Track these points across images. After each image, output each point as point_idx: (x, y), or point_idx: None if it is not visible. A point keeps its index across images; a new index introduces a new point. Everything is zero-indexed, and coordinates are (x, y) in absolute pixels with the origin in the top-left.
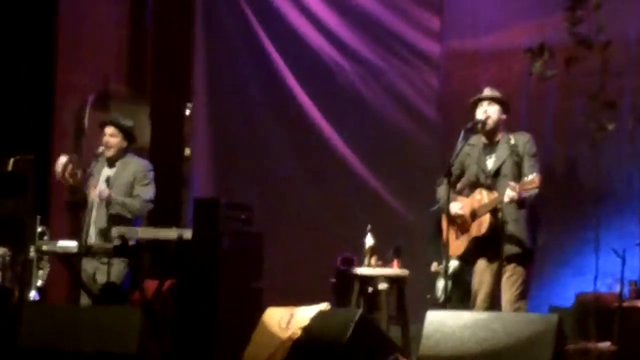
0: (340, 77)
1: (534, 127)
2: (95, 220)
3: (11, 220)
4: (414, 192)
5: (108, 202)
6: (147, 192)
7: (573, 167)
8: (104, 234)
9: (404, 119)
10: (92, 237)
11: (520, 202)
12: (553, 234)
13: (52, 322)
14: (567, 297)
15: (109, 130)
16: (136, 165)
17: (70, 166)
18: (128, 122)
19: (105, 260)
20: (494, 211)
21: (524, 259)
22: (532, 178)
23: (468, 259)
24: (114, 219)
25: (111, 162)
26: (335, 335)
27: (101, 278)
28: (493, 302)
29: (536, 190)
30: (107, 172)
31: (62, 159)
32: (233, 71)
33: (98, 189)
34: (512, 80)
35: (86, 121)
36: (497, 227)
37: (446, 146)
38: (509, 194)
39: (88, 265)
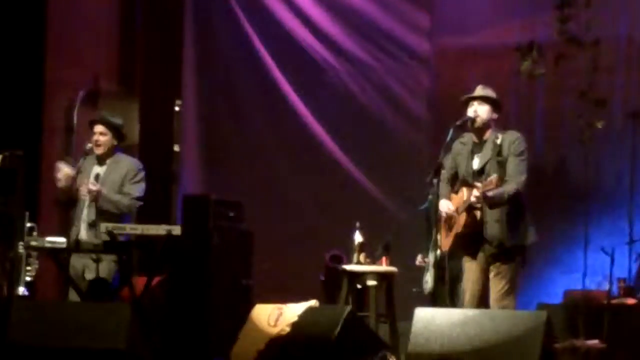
0: (329, 75)
1: (523, 125)
2: (85, 216)
3: (0, 216)
4: (403, 189)
5: (97, 198)
6: (137, 189)
7: (562, 165)
8: (93, 230)
9: (394, 117)
10: (82, 234)
11: (488, 202)
12: (542, 232)
13: (41, 318)
14: (555, 294)
15: (99, 128)
16: (127, 164)
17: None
18: (117, 120)
19: (94, 257)
20: (469, 209)
21: (508, 256)
22: (491, 179)
23: (456, 253)
24: (104, 216)
25: (101, 160)
26: (324, 332)
27: (90, 275)
28: (482, 300)
29: (498, 191)
30: (97, 169)
31: (67, 170)
32: (223, 68)
33: (88, 186)
34: (502, 78)
35: (75, 118)
36: (473, 225)
37: (436, 143)
38: (475, 193)
39: (77, 262)
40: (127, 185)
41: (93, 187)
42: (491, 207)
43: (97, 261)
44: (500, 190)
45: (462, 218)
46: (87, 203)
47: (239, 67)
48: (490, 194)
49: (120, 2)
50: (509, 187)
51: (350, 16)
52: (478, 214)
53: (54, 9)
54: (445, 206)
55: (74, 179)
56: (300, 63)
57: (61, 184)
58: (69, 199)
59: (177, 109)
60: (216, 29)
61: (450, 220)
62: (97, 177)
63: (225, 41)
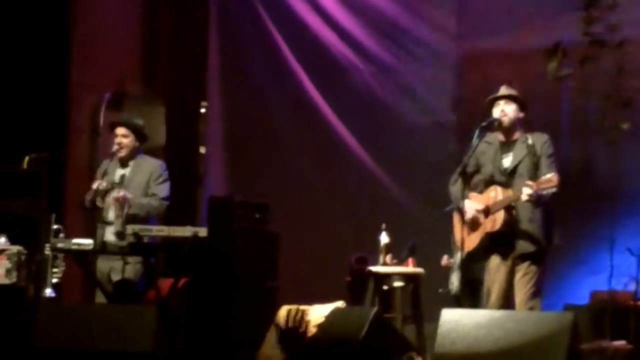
0: (355, 77)
1: (549, 127)
2: (112, 219)
3: (26, 218)
4: (429, 191)
5: (124, 204)
6: (163, 190)
7: (588, 166)
8: (120, 233)
9: (419, 119)
10: (108, 236)
11: (536, 201)
12: (568, 233)
13: (67, 320)
14: (582, 295)
15: (121, 130)
16: (151, 165)
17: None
18: (138, 121)
19: (119, 259)
20: (508, 208)
21: (538, 257)
22: (549, 177)
23: (480, 254)
24: (130, 218)
25: (124, 163)
26: (351, 334)
27: (116, 277)
28: (507, 301)
29: (554, 189)
30: (120, 171)
31: (104, 184)
32: (248, 70)
33: (115, 194)
34: (527, 79)
35: (101, 121)
36: (511, 224)
37: (461, 145)
38: (527, 191)
39: (103, 265)
40: (152, 186)
41: (122, 198)
42: (537, 205)
43: (124, 263)
44: (553, 189)
45: (499, 217)
46: (112, 206)
47: (263, 69)
48: (543, 192)
49: (145, 4)
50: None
51: (376, 18)
52: (514, 212)
53: (78, 12)
54: (472, 207)
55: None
56: (324, 65)
57: (91, 196)
58: (92, 203)
59: (202, 110)
60: (241, 31)
61: (474, 221)
62: (122, 178)
63: (250, 42)
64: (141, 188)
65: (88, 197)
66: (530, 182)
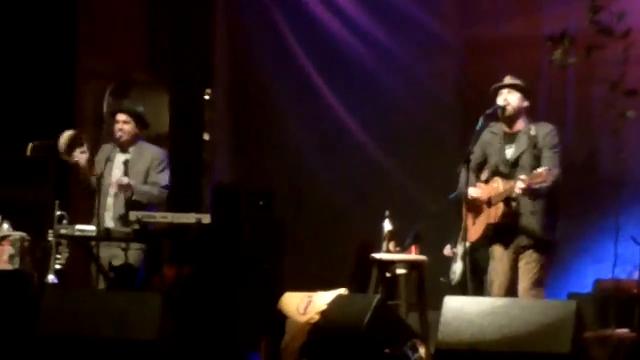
0: (359, 64)
1: (554, 115)
2: (113, 205)
3: (31, 205)
4: (434, 178)
5: (127, 190)
6: (163, 178)
7: (593, 155)
8: (122, 219)
9: (423, 106)
10: (108, 222)
11: (531, 194)
12: (573, 222)
13: (71, 307)
14: (586, 284)
15: (121, 117)
16: (152, 152)
17: (78, 142)
18: (139, 108)
19: (122, 246)
20: (507, 200)
21: (541, 247)
22: (540, 171)
23: (483, 243)
24: (132, 204)
25: (124, 148)
26: (354, 321)
27: (118, 264)
28: (510, 291)
29: (544, 184)
30: (120, 157)
31: (67, 133)
32: (254, 58)
33: (117, 179)
34: (533, 68)
35: (105, 108)
36: (510, 216)
37: (465, 133)
38: (519, 185)
39: (104, 252)
40: (152, 174)
41: (124, 182)
42: (533, 198)
43: (126, 250)
44: (544, 183)
45: (499, 208)
46: (112, 192)
47: (269, 57)
48: (537, 186)
49: None
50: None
51: (378, 4)
52: (514, 204)
53: (85, 1)
54: (475, 192)
55: (90, 163)
56: (329, 53)
57: (63, 149)
58: (88, 188)
59: (207, 97)
60: (247, 18)
61: (477, 208)
62: (126, 163)
63: (256, 30)
64: (142, 175)
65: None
66: (523, 177)
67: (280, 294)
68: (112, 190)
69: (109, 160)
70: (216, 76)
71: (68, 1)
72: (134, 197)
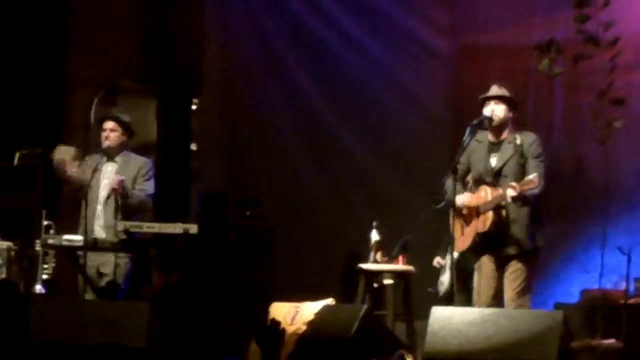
0: (349, 72)
1: (541, 123)
2: (102, 213)
3: (18, 214)
4: (423, 187)
5: (123, 189)
6: (150, 186)
7: (581, 163)
8: (111, 228)
9: (414, 115)
10: (97, 231)
11: (521, 201)
12: (560, 231)
13: (60, 316)
14: (573, 294)
15: (109, 125)
16: (138, 162)
17: (78, 157)
18: (126, 116)
19: (110, 255)
20: (497, 208)
21: (527, 256)
22: (531, 178)
23: (472, 253)
24: (123, 208)
25: (111, 158)
26: (341, 330)
27: (106, 271)
28: (497, 301)
29: (535, 190)
30: (108, 167)
31: (67, 148)
32: (243, 67)
33: (111, 179)
34: (521, 76)
35: (92, 116)
36: (500, 225)
37: (457, 142)
38: (510, 193)
39: (92, 261)
40: (140, 182)
41: (117, 180)
42: (523, 205)
43: (115, 258)
44: (534, 190)
45: (488, 217)
46: (102, 201)
47: (259, 65)
48: (527, 193)
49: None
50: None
51: (371, 15)
52: (503, 212)
53: (76, 7)
54: (463, 199)
55: (78, 166)
56: (321, 61)
57: (60, 163)
58: (72, 195)
59: (194, 107)
60: (236, 27)
61: (465, 217)
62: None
63: (246, 38)
64: (129, 184)
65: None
66: (513, 184)
67: (268, 303)
68: (102, 198)
69: (97, 169)
70: (206, 84)
71: (58, 8)
72: (127, 199)
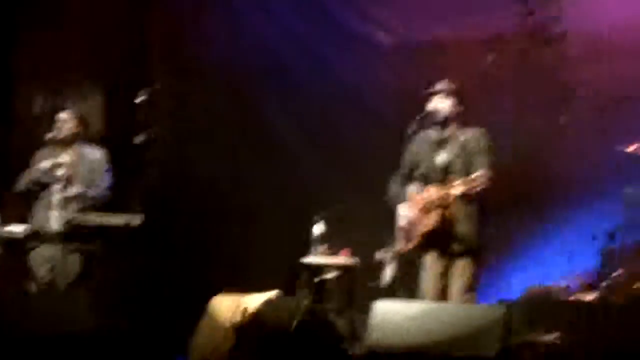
0: (294, 70)
1: (489, 120)
2: (58, 204)
3: None
4: (368, 184)
5: (79, 201)
6: (108, 180)
7: (526, 160)
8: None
9: (359, 112)
10: (52, 222)
11: (468, 198)
12: (504, 228)
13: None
14: (516, 290)
15: (63, 115)
16: (95, 154)
17: None
18: (80, 109)
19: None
20: (443, 207)
21: (473, 252)
22: (476, 175)
23: (417, 250)
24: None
25: (64, 148)
26: (283, 324)
27: (54, 263)
28: (442, 297)
29: (481, 187)
30: (62, 158)
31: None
32: (193, 62)
33: (63, 194)
34: (467, 73)
35: (38, 107)
36: (445, 223)
37: (400, 140)
38: (455, 190)
39: (45, 251)
40: (98, 175)
41: (72, 194)
42: (469, 203)
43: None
44: (479, 187)
45: (432, 215)
46: (57, 192)
47: (205, 59)
48: (472, 191)
49: None
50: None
51: (314, 11)
52: (449, 211)
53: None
54: (405, 216)
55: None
56: (264, 58)
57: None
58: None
59: (141, 99)
60: (183, 23)
61: (409, 228)
62: (62, 165)
63: (192, 35)
64: (87, 180)
65: (25, 179)
66: (459, 181)
67: (210, 297)
68: (58, 191)
69: (44, 159)
70: (155, 77)
71: (6, 3)
72: (84, 205)
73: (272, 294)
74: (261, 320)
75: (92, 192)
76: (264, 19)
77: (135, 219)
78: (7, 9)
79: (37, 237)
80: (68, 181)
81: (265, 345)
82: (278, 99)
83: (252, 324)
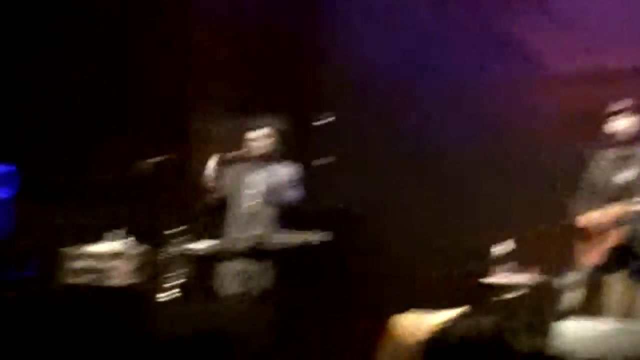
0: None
1: None
2: (246, 223)
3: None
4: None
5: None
6: (296, 195)
7: None
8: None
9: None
10: (240, 241)
11: None
12: None
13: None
14: None
15: (257, 133)
16: (289, 170)
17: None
18: (280, 126)
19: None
20: (627, 223)
21: None
22: None
23: (602, 270)
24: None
25: (258, 166)
26: (470, 342)
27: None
28: (629, 316)
29: None
30: (255, 176)
31: (212, 162)
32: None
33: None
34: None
35: (217, 126)
36: (628, 239)
37: (576, 160)
38: (638, 207)
39: (230, 269)
40: (288, 190)
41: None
42: None
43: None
44: None
45: (615, 233)
46: (247, 209)
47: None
48: None
49: None
50: None
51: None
52: (631, 227)
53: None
54: (593, 218)
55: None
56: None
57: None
58: (216, 202)
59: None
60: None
61: (592, 235)
62: (261, 183)
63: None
64: (279, 191)
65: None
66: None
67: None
68: (248, 208)
69: (235, 179)
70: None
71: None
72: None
73: (457, 312)
74: (447, 336)
75: (288, 199)
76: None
77: (315, 237)
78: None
79: (225, 254)
80: (259, 198)
81: None
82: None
83: (438, 340)
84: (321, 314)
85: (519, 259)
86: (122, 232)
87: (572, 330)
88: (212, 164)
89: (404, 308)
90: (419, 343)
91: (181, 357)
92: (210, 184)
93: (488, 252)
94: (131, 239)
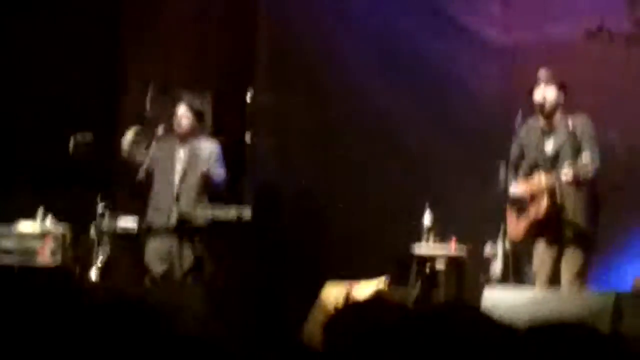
0: (417, 68)
1: (595, 111)
2: (173, 199)
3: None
4: (479, 175)
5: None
6: (223, 169)
7: (635, 150)
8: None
9: (471, 111)
10: (167, 217)
11: (576, 184)
12: (613, 218)
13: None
14: (627, 281)
15: (181, 110)
16: (211, 146)
17: (137, 139)
18: (198, 104)
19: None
20: (552, 194)
21: (584, 241)
22: (586, 162)
23: (527, 241)
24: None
25: (182, 142)
26: (390, 314)
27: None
28: (554, 285)
29: (591, 173)
30: (180, 152)
31: (129, 135)
32: (296, 56)
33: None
34: (576, 69)
35: (148, 105)
36: (554, 210)
37: (507, 131)
38: (564, 177)
39: (163, 244)
40: (213, 167)
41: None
42: (578, 187)
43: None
44: (589, 174)
45: (543, 202)
46: (176, 182)
47: (313, 54)
48: (582, 177)
49: None
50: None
51: (425, 8)
52: (558, 197)
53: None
54: (518, 188)
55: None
56: (378, 55)
57: (126, 152)
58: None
59: (248, 99)
60: (291, 18)
61: (521, 206)
62: (185, 159)
63: (300, 29)
64: (203, 168)
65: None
66: (567, 168)
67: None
68: (177, 180)
69: (158, 157)
70: (258, 77)
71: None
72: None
73: (382, 279)
74: (362, 307)
75: (215, 178)
76: (367, 11)
77: (247, 212)
78: (113, 9)
79: (151, 231)
80: (184, 173)
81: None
82: (394, 95)
83: (346, 312)
84: (254, 288)
85: (447, 229)
86: (48, 212)
87: (493, 299)
88: (129, 136)
89: (337, 277)
90: (334, 312)
91: (109, 336)
92: (131, 157)
93: (418, 222)
94: (56, 218)
